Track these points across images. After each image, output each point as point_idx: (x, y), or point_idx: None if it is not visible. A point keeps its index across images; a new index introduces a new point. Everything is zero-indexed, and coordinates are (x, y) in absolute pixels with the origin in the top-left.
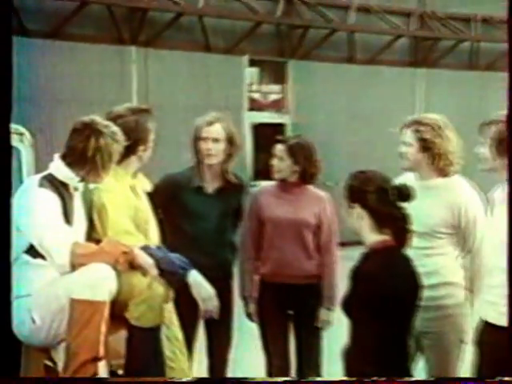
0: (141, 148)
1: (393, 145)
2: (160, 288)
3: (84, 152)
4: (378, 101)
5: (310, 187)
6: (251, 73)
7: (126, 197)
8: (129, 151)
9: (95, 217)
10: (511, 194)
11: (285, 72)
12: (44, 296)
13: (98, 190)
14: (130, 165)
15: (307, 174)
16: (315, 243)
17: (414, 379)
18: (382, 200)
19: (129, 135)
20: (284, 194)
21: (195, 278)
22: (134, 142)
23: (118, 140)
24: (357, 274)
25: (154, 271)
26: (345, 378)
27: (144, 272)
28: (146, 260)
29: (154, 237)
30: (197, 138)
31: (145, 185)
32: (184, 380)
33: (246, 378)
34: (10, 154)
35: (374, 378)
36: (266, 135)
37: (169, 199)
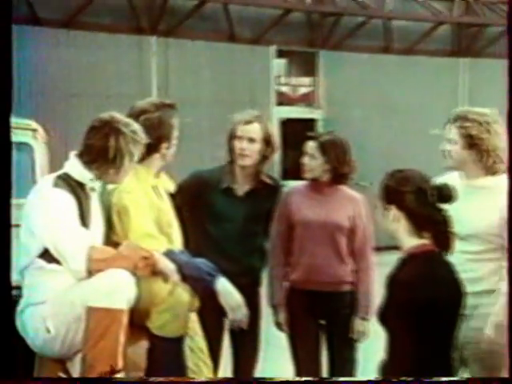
0: (164, 146)
1: (432, 141)
2: (185, 295)
3: (102, 151)
4: (416, 94)
5: (344, 187)
6: (279, 64)
7: (148, 198)
8: (151, 149)
9: (115, 219)
10: (511, 193)
11: (315, 63)
12: (59, 304)
13: (118, 191)
14: (152, 163)
15: (340, 174)
16: (349, 248)
17: (416, 379)
18: (421, 201)
19: (152, 132)
20: (315, 195)
21: (223, 285)
22: (157, 139)
23: (138, 139)
24: (393, 281)
25: (177, 277)
26: (350, 379)
27: (165, 278)
28: (167, 265)
29: (178, 240)
30: (232, 137)
31: (168, 185)
32: (188, 380)
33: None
34: (10, 151)
35: (377, 379)
36: (295, 132)
37: (194, 198)
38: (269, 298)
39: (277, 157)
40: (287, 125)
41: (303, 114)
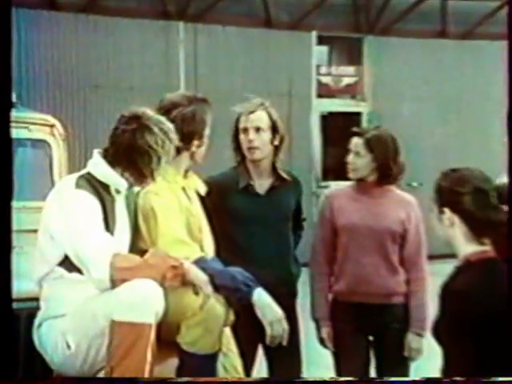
0: (195, 143)
1: (492, 137)
2: (218, 308)
3: (129, 150)
4: (476, 84)
5: (393, 189)
6: (320, 52)
7: (177, 200)
8: (181, 147)
9: (142, 223)
10: (511, 192)
11: (361, 50)
12: (80, 317)
13: (145, 192)
14: (181, 162)
15: (388, 173)
16: (400, 255)
17: (413, 379)
18: (480, 203)
19: (183, 128)
20: (362, 197)
21: (261, 296)
22: (188, 135)
23: (171, 139)
24: (449, 292)
25: (209, 289)
26: (349, 378)
27: (196, 290)
28: (198, 275)
29: (209, 247)
30: (236, 131)
31: (198, 186)
32: (188, 380)
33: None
34: (10, 147)
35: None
36: (338, 126)
37: (213, 205)
38: (311, 310)
39: (317, 155)
40: (329, 119)
41: (347, 107)
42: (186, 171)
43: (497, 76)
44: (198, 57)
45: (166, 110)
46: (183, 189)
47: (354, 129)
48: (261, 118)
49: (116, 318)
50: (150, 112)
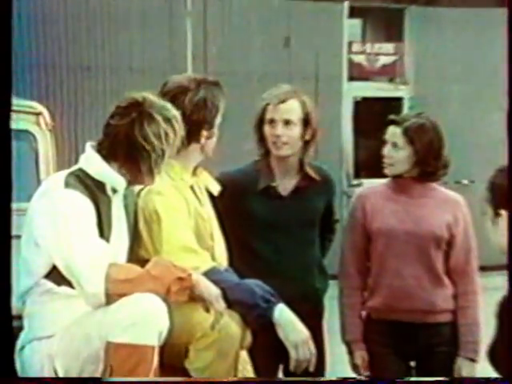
0: (205, 134)
1: None
2: (234, 328)
3: (127, 143)
4: None
5: (437, 187)
6: (353, 26)
7: (185, 201)
8: (189, 138)
9: (143, 228)
10: (511, 192)
11: (401, 25)
12: (70, 338)
13: (148, 192)
14: (189, 157)
15: (432, 169)
16: (446, 265)
17: (413, 379)
18: None
19: (191, 116)
20: (400, 197)
21: (284, 314)
22: (198, 125)
23: (176, 130)
24: (507, 310)
25: (222, 305)
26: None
27: (207, 306)
28: (209, 289)
29: (222, 256)
30: (261, 121)
31: (209, 184)
32: (189, 380)
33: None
34: (10, 147)
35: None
36: (373, 114)
37: (227, 207)
38: (341, 331)
39: (349, 147)
40: (363, 105)
41: (384, 92)
42: (196, 167)
43: None
44: (208, 32)
45: (171, 96)
46: (192, 188)
47: (392, 116)
48: (292, 110)
49: (113, 339)
50: (152, 97)
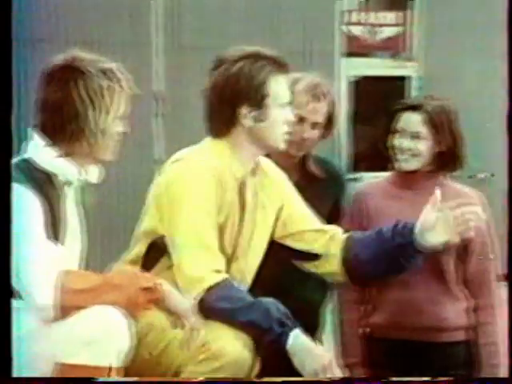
0: (243, 112)
1: None
2: (243, 353)
3: (59, 110)
4: None
5: (449, 181)
6: None
7: (225, 194)
8: (226, 118)
9: (153, 212)
10: (511, 192)
11: None
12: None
13: (175, 161)
14: (236, 143)
15: (456, 161)
16: (462, 274)
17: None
18: None
19: (223, 89)
20: (406, 194)
21: (299, 341)
22: (232, 99)
23: (113, 80)
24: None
25: (192, 321)
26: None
27: (176, 322)
28: (180, 302)
29: (246, 272)
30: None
31: (270, 194)
32: (188, 380)
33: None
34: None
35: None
36: (374, 96)
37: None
38: (340, 352)
39: (344, 136)
40: (361, 86)
41: (387, 70)
42: (257, 165)
43: None
44: (182, 4)
45: (210, 71)
46: (242, 185)
47: (408, 100)
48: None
49: (66, 360)
50: (81, 54)
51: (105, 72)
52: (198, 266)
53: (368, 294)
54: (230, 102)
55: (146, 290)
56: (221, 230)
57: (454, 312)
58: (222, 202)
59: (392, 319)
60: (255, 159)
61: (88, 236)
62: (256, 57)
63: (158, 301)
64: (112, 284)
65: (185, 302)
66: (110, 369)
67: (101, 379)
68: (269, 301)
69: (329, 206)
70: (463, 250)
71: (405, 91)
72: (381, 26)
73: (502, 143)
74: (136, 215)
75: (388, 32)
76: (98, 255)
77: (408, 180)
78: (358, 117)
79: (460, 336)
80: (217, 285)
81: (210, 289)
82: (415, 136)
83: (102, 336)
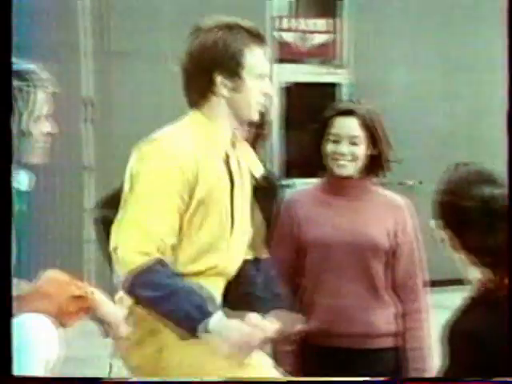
0: (219, 80)
1: None
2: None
3: None
4: (496, 47)
5: (377, 188)
6: (281, 2)
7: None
8: (203, 86)
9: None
10: (511, 191)
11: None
12: None
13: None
14: (215, 112)
15: (383, 165)
16: (391, 280)
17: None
18: (481, 215)
19: (200, 58)
20: (336, 201)
21: (221, 323)
22: (206, 69)
23: (37, 82)
24: (456, 333)
25: (123, 332)
26: (346, 379)
27: (107, 331)
28: (112, 312)
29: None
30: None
31: (251, 162)
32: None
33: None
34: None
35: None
36: (305, 102)
37: None
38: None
39: (276, 142)
40: (293, 92)
41: (318, 76)
42: (234, 136)
43: None
44: (110, 6)
45: (188, 40)
46: (226, 157)
47: (340, 105)
48: None
49: None
50: None
51: (19, 74)
52: (127, 246)
53: (299, 302)
54: (205, 69)
55: (77, 298)
56: (206, 204)
57: (383, 318)
58: (196, 183)
59: (323, 327)
60: (233, 130)
61: (17, 243)
62: (233, 27)
63: (89, 309)
64: (42, 292)
65: (116, 311)
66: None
67: (101, 379)
68: (191, 287)
69: (267, 213)
70: (393, 255)
71: (335, 97)
72: (312, 32)
73: (431, 151)
74: (66, 221)
75: (319, 39)
76: (27, 262)
77: (338, 186)
78: (290, 123)
79: (389, 342)
80: (140, 269)
81: (133, 272)
82: (352, 141)
83: (30, 344)
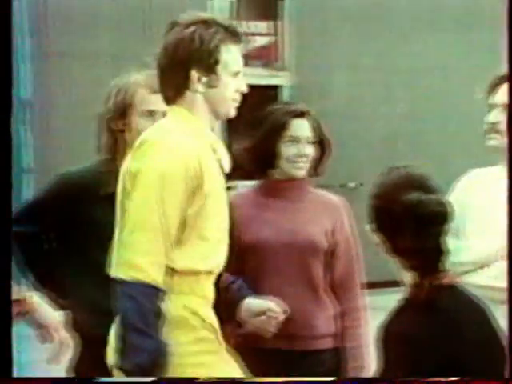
0: (196, 76)
1: (460, 121)
2: None
3: None
4: (441, 49)
5: (315, 189)
6: (222, 3)
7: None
8: (179, 81)
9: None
10: (511, 192)
11: (278, 2)
12: None
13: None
14: (194, 106)
15: (321, 167)
16: (330, 280)
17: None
18: (409, 220)
19: (174, 54)
20: (273, 202)
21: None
22: (182, 63)
23: None
24: (390, 334)
25: (62, 336)
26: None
27: (44, 335)
28: (48, 316)
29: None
30: (122, 110)
31: (222, 156)
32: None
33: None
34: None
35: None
36: (246, 105)
37: (64, 215)
38: None
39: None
40: None
41: (259, 79)
42: (212, 129)
43: (465, 37)
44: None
45: (163, 35)
46: (214, 151)
47: (298, 107)
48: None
49: None
50: None
51: None
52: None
53: None
54: (181, 64)
55: (15, 302)
56: (212, 197)
57: (323, 319)
58: (201, 178)
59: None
60: (211, 127)
61: None
62: (209, 23)
63: (27, 313)
64: None
65: (55, 315)
66: None
67: (101, 379)
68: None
69: None
70: (331, 254)
71: (277, 100)
72: (253, 35)
73: (372, 153)
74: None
75: (260, 41)
76: None
77: (277, 188)
78: (231, 125)
79: (329, 343)
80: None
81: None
82: (309, 142)
83: None
